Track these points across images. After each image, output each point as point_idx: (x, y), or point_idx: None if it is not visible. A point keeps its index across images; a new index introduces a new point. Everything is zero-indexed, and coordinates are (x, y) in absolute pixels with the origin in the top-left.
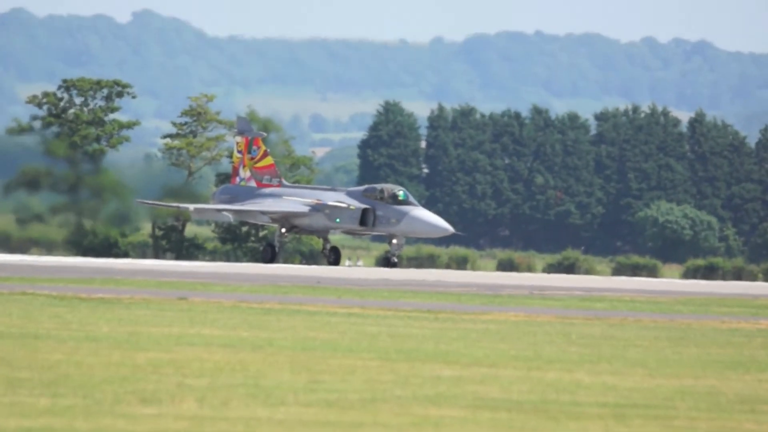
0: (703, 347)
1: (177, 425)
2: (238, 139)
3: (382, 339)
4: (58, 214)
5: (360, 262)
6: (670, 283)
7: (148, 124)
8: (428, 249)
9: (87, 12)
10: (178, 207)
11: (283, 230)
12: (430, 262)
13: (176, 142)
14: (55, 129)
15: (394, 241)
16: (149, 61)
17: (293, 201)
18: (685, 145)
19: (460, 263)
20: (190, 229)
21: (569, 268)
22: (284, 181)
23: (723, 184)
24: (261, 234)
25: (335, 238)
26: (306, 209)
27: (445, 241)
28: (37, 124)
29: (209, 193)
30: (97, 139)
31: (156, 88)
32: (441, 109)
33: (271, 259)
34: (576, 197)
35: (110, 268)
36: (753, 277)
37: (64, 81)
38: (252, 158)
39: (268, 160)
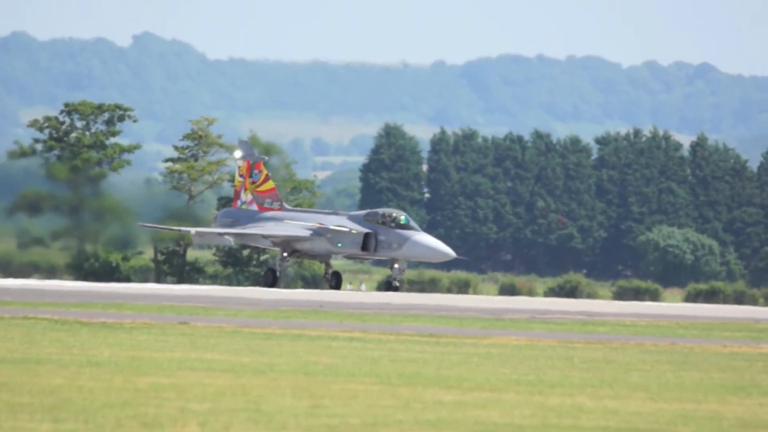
0: (704, 371)
1: None
2: (240, 162)
3: (384, 364)
4: (60, 238)
5: (363, 287)
6: (672, 307)
7: (149, 147)
8: (430, 273)
9: (88, 35)
10: (180, 230)
11: (285, 254)
12: (431, 286)
13: (177, 166)
14: (56, 152)
15: (396, 265)
16: (150, 85)
17: (295, 225)
18: (686, 168)
19: (462, 287)
20: (192, 254)
21: (571, 292)
22: (286, 205)
23: (724, 208)
24: (262, 258)
25: (337, 262)
26: (308, 233)
27: (447, 265)
28: (39, 147)
29: (210, 216)
30: (99, 163)
31: (157, 112)
32: (443, 132)
33: (273, 283)
34: (578, 221)
35: (112, 293)
36: (754, 302)
37: (66, 105)
38: (254, 182)
39: (270, 184)
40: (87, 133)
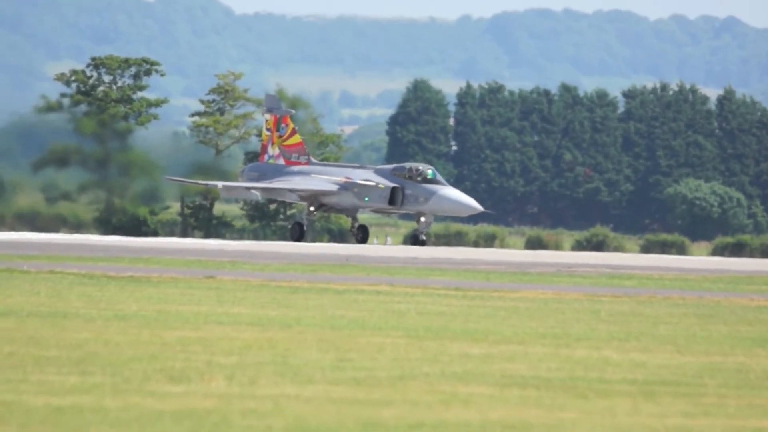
0: (731, 324)
1: (205, 403)
2: (267, 116)
3: (411, 317)
4: (87, 192)
5: (389, 240)
6: (699, 260)
7: (176, 102)
8: (456, 227)
9: None
10: (206, 184)
11: (312, 208)
12: (458, 239)
13: (204, 120)
14: (83, 107)
15: (423, 219)
16: (177, 40)
17: (322, 179)
18: (713, 122)
19: (489, 241)
20: (218, 208)
21: (598, 246)
22: (313, 159)
23: (752, 161)
24: (289, 212)
25: (363, 216)
26: (335, 188)
27: (474, 218)
28: (66, 101)
29: (237, 170)
30: (126, 117)
31: (184, 66)
32: (469, 86)
33: (300, 237)
34: (604, 174)
35: (139, 247)
36: None
37: (93, 59)
38: (280, 136)
39: (297, 138)
40: (114, 87)
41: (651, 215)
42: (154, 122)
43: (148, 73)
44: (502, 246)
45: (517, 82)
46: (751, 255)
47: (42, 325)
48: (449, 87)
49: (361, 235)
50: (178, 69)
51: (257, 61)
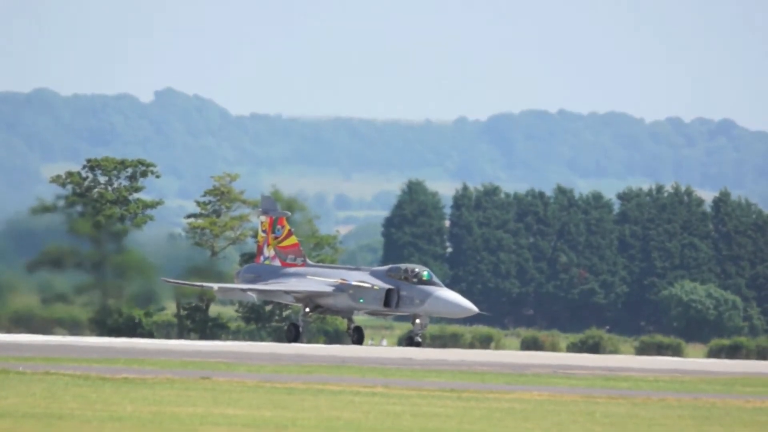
0: (727, 426)
1: None
2: (263, 218)
3: (406, 418)
4: (83, 294)
5: (384, 342)
6: (695, 362)
7: (172, 203)
8: (452, 328)
9: (110, 91)
10: (202, 286)
11: (307, 310)
12: (454, 341)
13: (200, 222)
14: (79, 208)
15: (418, 321)
16: (173, 140)
17: (318, 281)
18: (709, 224)
19: (484, 342)
20: (214, 309)
21: (593, 347)
22: (308, 261)
23: (747, 264)
24: (285, 313)
25: (359, 318)
26: (330, 289)
27: (469, 320)
28: (61, 203)
29: (233, 272)
30: (121, 219)
31: (179, 168)
32: (465, 188)
33: (295, 338)
34: (600, 276)
35: (134, 348)
36: None
37: (89, 161)
38: (276, 237)
39: (293, 240)
40: (109, 188)
41: (646, 317)
42: (150, 224)
43: (143, 174)
44: (497, 347)
45: (512, 183)
46: (747, 357)
47: (37, 427)
48: (445, 188)
49: (357, 336)
50: (174, 170)
51: (253, 162)
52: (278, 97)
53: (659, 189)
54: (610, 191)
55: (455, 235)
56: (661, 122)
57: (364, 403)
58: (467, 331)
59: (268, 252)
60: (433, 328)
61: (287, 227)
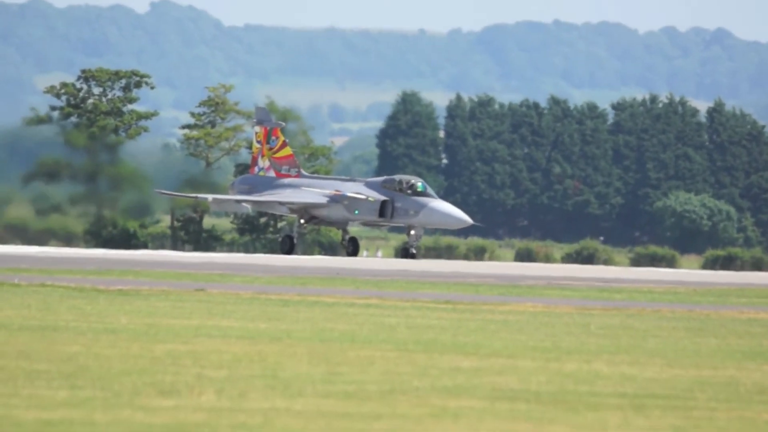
0: (721, 338)
1: (195, 417)
2: (257, 129)
3: (401, 330)
4: (77, 205)
5: (379, 253)
6: (689, 273)
7: (166, 114)
8: (447, 240)
9: (105, 2)
10: (197, 197)
11: (302, 221)
12: (448, 252)
13: (194, 133)
14: (73, 119)
15: (413, 232)
16: (167, 52)
17: (312, 192)
18: (703, 134)
19: (479, 254)
20: (208, 221)
21: (588, 258)
22: (303, 172)
23: (742, 174)
24: (279, 225)
25: (354, 229)
26: (325, 200)
27: (464, 231)
28: (56, 114)
29: (228, 183)
30: (116, 130)
31: (174, 79)
32: (459, 99)
33: (290, 250)
34: (594, 187)
35: (129, 260)
36: None
37: (83, 71)
38: (271, 148)
39: (287, 151)
40: (104, 99)
41: (641, 228)
42: (144, 135)
43: (138, 85)
44: (492, 259)
45: (507, 94)
46: (742, 268)
47: (32, 339)
48: (439, 99)
49: (352, 247)
50: (168, 81)
51: (247, 73)
52: (272, 7)
53: (653, 99)
54: (604, 102)
55: (449, 146)
56: (655, 32)
57: (358, 314)
58: (462, 243)
59: (263, 163)
60: (427, 240)
61: (282, 138)
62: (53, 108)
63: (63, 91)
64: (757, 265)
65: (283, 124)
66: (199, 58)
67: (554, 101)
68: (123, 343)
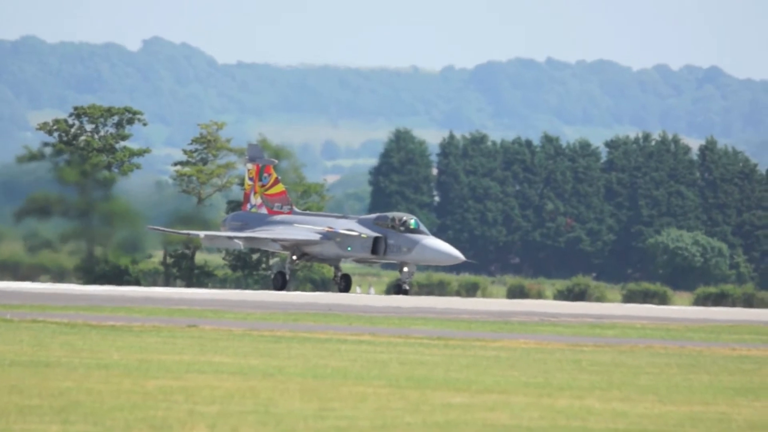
0: (713, 374)
1: None
2: (249, 166)
3: (393, 366)
4: (69, 241)
5: (372, 290)
6: (681, 310)
7: (159, 151)
8: (439, 276)
9: (98, 39)
10: (189, 234)
11: (294, 258)
12: (440, 289)
13: (187, 169)
14: (66, 156)
15: (405, 269)
16: (160, 89)
17: (305, 229)
18: (695, 172)
19: (471, 290)
20: (201, 257)
21: (580, 295)
22: (295, 209)
23: (734, 211)
24: (272, 261)
25: (346, 266)
26: (317, 237)
27: (456, 268)
28: (48, 151)
29: (220, 219)
30: (108, 167)
31: (166, 116)
32: (452, 136)
33: (282, 286)
34: (586, 224)
35: (121, 296)
36: (764, 304)
37: (75, 108)
38: (263, 185)
39: (280, 187)
40: (96, 136)
41: (633, 265)
42: (137, 171)
43: (130, 122)
44: (484, 295)
45: (500, 132)
46: (734, 305)
47: (24, 374)
48: (432, 137)
49: (344, 284)
50: (161, 118)
51: (240, 110)
52: (265, 45)
53: (646, 137)
54: (597, 139)
55: (442, 184)
56: (648, 70)
57: (351, 351)
58: (454, 279)
59: (255, 200)
60: (420, 276)
61: (274, 175)
62: (46, 144)
63: (55, 127)
64: (748, 302)
65: (276, 161)
66: (193, 95)
67: (547, 139)
68: (115, 378)
